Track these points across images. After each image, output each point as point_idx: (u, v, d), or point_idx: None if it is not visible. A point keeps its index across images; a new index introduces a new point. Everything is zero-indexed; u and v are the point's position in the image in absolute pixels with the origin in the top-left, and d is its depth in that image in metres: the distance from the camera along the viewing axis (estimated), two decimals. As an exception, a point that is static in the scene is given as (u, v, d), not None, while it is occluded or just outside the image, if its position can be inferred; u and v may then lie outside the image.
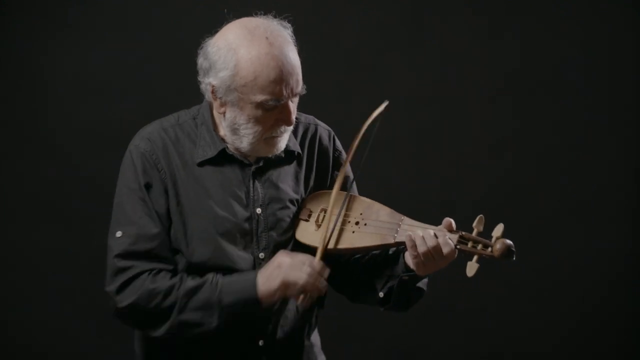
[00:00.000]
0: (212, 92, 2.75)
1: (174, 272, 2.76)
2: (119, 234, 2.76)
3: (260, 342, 2.82)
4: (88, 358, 4.55)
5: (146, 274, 2.73)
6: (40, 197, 4.52)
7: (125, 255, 2.74)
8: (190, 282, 2.73)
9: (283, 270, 2.70)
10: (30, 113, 4.50)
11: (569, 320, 4.81)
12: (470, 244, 2.67)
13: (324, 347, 3.00)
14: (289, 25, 2.77)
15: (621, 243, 4.80)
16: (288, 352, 2.85)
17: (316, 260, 2.73)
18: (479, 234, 2.68)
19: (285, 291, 2.71)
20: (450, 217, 2.74)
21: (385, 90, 4.71)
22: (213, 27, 2.82)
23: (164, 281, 2.73)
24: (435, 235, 2.67)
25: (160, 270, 2.75)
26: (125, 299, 2.73)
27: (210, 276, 2.74)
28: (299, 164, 2.89)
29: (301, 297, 2.72)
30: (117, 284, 2.73)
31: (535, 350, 4.82)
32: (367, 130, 2.86)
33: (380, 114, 2.89)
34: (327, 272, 2.73)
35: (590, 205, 4.79)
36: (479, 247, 2.66)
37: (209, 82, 2.74)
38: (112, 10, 4.52)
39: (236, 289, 2.72)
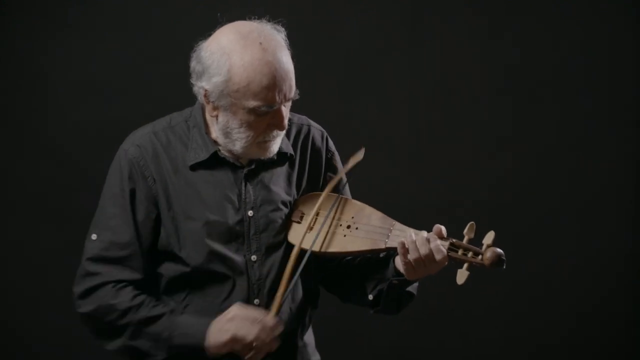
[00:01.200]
0: (205, 96, 2.74)
1: (140, 285, 2.77)
2: (94, 236, 2.79)
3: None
4: (88, 358, 4.56)
5: (111, 285, 2.75)
6: (40, 197, 4.52)
7: (96, 259, 2.77)
8: (148, 310, 2.75)
9: (234, 324, 2.70)
10: (30, 113, 4.51)
11: (568, 320, 4.81)
12: (460, 252, 2.67)
13: (319, 347, 3.00)
14: (283, 29, 2.76)
15: (621, 243, 4.79)
16: (282, 352, 2.85)
17: (270, 317, 2.73)
18: (469, 241, 2.67)
19: (234, 345, 2.71)
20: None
21: (384, 91, 4.71)
22: (213, 27, 2.82)
23: (125, 298, 2.74)
24: (428, 241, 2.67)
25: (126, 285, 2.76)
26: (84, 306, 2.75)
27: (167, 310, 2.75)
28: (291, 166, 2.89)
29: (250, 353, 2.71)
30: (82, 288, 2.76)
31: (534, 350, 4.82)
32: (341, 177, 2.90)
33: (358, 163, 2.89)
34: (280, 328, 2.73)
35: (590, 205, 4.78)
36: (469, 254, 2.65)
37: (201, 86, 2.74)
38: (112, 10, 4.52)
39: (187, 333, 2.73)
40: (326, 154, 2.96)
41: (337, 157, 2.98)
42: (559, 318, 4.81)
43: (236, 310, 2.72)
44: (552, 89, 4.75)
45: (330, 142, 2.98)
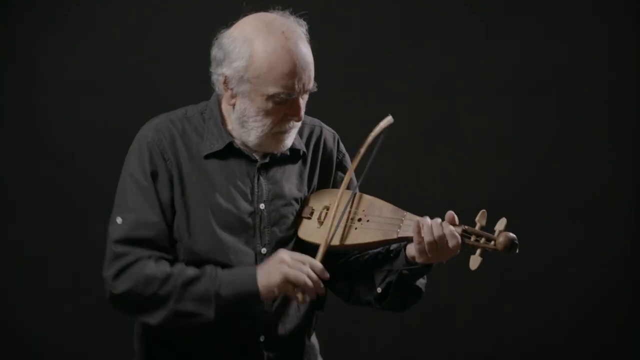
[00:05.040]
0: (224, 82, 2.76)
1: (172, 262, 2.76)
2: (119, 220, 2.76)
3: (262, 338, 2.82)
4: (88, 358, 4.55)
5: (145, 260, 2.73)
6: (40, 197, 4.51)
7: (123, 241, 2.74)
8: (189, 271, 2.73)
9: (284, 267, 2.70)
10: (30, 113, 4.50)
11: (568, 320, 4.81)
12: (473, 238, 2.68)
13: (323, 348, 3.00)
14: (304, 22, 2.80)
15: (621, 243, 4.80)
16: (289, 348, 2.86)
17: (317, 260, 2.73)
18: (481, 228, 2.68)
19: (284, 288, 2.71)
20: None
21: (386, 91, 4.71)
22: (213, 27, 2.83)
23: (162, 268, 2.72)
24: (442, 225, 2.68)
25: (159, 258, 2.74)
26: (121, 285, 2.73)
27: (209, 268, 2.74)
28: (304, 163, 2.91)
29: (299, 295, 2.71)
30: (115, 270, 2.73)
31: (534, 350, 4.82)
32: (370, 143, 2.89)
33: (383, 129, 2.89)
34: (326, 274, 2.73)
35: (590, 206, 4.79)
36: (482, 240, 2.66)
37: (222, 72, 2.76)
38: (113, 10, 4.52)
39: (235, 282, 2.72)
40: (337, 156, 2.98)
41: (348, 159, 3.00)
42: (559, 318, 4.81)
43: (283, 253, 2.73)
44: (552, 89, 4.76)
45: (342, 145, 3.01)
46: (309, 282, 2.70)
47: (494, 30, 4.73)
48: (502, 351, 4.82)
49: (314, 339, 2.96)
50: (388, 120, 2.92)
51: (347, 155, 3.00)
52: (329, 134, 2.98)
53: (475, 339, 4.80)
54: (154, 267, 2.72)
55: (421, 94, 4.74)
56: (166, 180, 2.78)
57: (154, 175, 2.78)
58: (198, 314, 2.72)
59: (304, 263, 2.71)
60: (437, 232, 2.68)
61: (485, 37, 4.73)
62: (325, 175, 2.95)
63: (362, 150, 2.87)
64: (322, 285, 2.72)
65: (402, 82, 4.71)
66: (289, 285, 2.70)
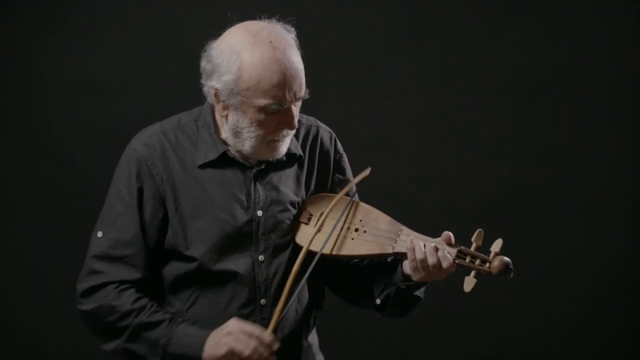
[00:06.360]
0: (215, 95, 2.74)
1: (143, 284, 2.78)
2: (100, 234, 2.79)
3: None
4: (88, 358, 4.55)
5: (114, 286, 2.76)
6: (40, 197, 4.51)
7: (101, 257, 2.77)
8: (148, 316, 2.75)
9: (231, 339, 2.70)
10: (30, 113, 4.50)
11: (568, 320, 4.81)
12: (468, 259, 2.68)
13: (323, 347, 3.00)
14: (293, 29, 2.77)
15: (621, 243, 4.80)
16: (286, 352, 2.85)
17: (267, 333, 2.73)
18: (477, 248, 2.69)
19: (231, 359, 2.71)
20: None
21: (385, 91, 4.71)
22: (213, 27, 2.82)
23: (126, 301, 2.75)
24: (435, 249, 2.68)
25: (129, 287, 2.77)
26: (86, 304, 2.76)
27: (167, 318, 2.76)
28: (300, 166, 2.89)
29: None
30: (85, 286, 2.77)
31: (535, 350, 4.82)
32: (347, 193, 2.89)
33: (362, 180, 2.89)
34: (276, 345, 2.73)
35: (590, 206, 4.79)
36: (477, 262, 2.67)
37: (211, 85, 2.74)
38: (112, 10, 4.52)
39: (184, 343, 2.73)
40: (334, 156, 2.96)
41: (346, 159, 2.98)
42: (559, 318, 4.81)
43: (233, 324, 2.72)
44: (552, 89, 4.75)
45: (339, 144, 2.98)
46: (254, 357, 2.69)
47: (494, 30, 4.73)
48: (502, 351, 4.82)
49: (311, 337, 2.95)
50: (366, 172, 2.90)
51: (344, 155, 2.98)
52: (326, 133, 2.96)
53: (475, 339, 4.80)
54: (120, 297, 2.75)
55: (421, 94, 4.73)
56: (153, 198, 2.78)
57: (140, 192, 2.78)
58: (144, 357, 2.76)
59: (251, 336, 2.70)
60: (431, 260, 2.68)
61: (485, 37, 4.73)
62: (323, 176, 2.93)
63: (339, 195, 2.86)
64: (271, 358, 2.71)
65: (402, 82, 4.71)
66: (235, 357, 2.70)
